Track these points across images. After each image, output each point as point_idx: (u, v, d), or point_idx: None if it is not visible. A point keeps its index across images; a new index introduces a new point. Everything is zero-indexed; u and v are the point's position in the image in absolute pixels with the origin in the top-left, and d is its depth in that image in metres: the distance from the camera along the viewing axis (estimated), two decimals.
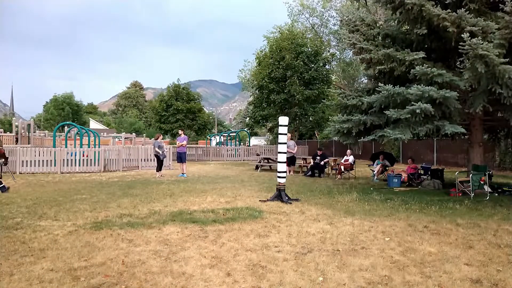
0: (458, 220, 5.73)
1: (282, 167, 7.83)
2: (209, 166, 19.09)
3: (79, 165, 14.46)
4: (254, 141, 42.74)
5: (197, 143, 41.17)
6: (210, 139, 37.98)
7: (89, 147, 17.49)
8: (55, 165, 14.07)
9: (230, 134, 35.81)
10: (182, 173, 13.26)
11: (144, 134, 44.33)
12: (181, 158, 13.38)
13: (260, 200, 7.62)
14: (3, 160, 9.59)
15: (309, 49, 24.59)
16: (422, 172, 11.19)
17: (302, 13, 30.24)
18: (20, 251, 4.13)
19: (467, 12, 7.44)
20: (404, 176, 10.90)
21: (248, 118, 29.52)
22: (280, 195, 7.61)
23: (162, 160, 13.22)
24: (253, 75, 29.58)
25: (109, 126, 61.08)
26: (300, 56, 23.44)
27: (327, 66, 25.86)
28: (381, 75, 9.60)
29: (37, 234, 4.86)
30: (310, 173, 13.67)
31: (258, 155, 20.73)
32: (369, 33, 9.62)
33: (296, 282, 3.32)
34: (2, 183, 8.87)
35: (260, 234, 4.91)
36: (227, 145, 30.02)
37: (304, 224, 5.55)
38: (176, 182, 11.17)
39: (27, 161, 13.91)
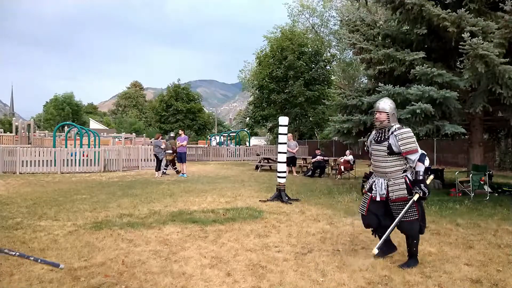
0: (458, 220, 5.73)
1: (282, 167, 7.82)
2: (209, 166, 19.08)
3: (79, 165, 14.46)
4: (254, 141, 42.73)
5: (197, 143, 41.14)
6: (210, 140, 37.98)
7: (89, 147, 17.49)
8: (55, 165, 14.07)
9: (230, 134, 35.71)
10: (182, 173, 13.26)
11: (144, 134, 44.29)
12: (181, 158, 13.38)
13: (260, 200, 7.62)
14: (174, 153, 12.89)
15: (310, 49, 24.57)
16: None
17: (302, 13, 30.20)
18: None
19: (467, 12, 7.42)
20: None
21: (248, 118, 29.44)
22: (280, 195, 7.61)
23: (161, 160, 13.23)
24: (253, 75, 29.54)
25: (109, 126, 61.03)
26: (302, 56, 23.42)
27: (327, 67, 25.84)
28: (381, 75, 9.59)
29: (37, 234, 4.86)
30: (310, 173, 13.68)
31: (258, 155, 20.72)
32: (369, 33, 9.62)
33: (296, 282, 3.32)
34: (178, 171, 13.14)
35: (260, 234, 4.91)
36: (227, 145, 29.99)
37: (304, 224, 5.55)
38: (176, 182, 11.17)
39: (27, 161, 13.92)
